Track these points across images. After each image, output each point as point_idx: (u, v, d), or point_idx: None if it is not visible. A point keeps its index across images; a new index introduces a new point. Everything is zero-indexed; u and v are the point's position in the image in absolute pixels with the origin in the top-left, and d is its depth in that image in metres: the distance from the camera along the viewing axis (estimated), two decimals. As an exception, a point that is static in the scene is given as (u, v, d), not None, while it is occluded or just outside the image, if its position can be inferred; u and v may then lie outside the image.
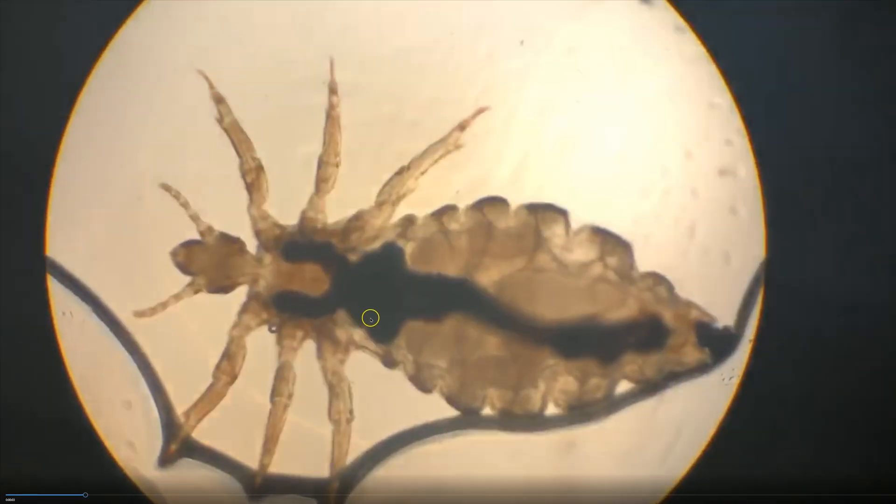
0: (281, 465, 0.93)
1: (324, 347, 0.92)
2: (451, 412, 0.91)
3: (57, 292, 0.94)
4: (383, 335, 0.91)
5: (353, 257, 0.92)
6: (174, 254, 0.93)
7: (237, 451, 0.93)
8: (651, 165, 0.91)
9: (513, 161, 0.91)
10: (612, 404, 0.90)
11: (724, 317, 0.90)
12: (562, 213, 0.90)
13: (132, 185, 0.94)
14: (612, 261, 0.90)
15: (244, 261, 0.93)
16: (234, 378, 0.93)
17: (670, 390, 0.91)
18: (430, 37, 0.92)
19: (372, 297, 0.92)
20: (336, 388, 0.91)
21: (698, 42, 0.91)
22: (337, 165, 0.92)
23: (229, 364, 0.92)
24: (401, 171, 0.92)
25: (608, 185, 0.91)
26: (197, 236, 0.94)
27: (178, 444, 0.93)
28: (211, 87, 0.93)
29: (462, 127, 0.91)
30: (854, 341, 0.90)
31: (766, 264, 0.91)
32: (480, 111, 0.91)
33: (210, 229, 0.93)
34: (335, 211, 0.92)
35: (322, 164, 0.92)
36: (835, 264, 0.91)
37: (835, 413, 0.91)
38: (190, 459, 0.93)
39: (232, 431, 0.93)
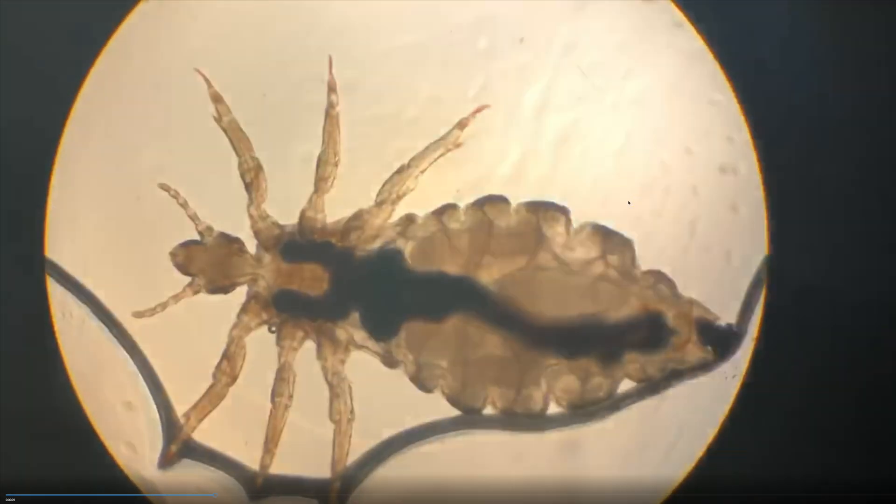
0: (282, 466, 0.93)
1: (324, 347, 0.92)
2: (453, 412, 0.91)
3: (56, 293, 0.94)
4: (384, 335, 0.91)
5: (352, 257, 0.92)
6: (173, 254, 0.93)
7: (238, 451, 0.93)
8: (651, 163, 0.91)
9: (513, 159, 0.91)
10: (614, 403, 0.90)
11: (726, 315, 0.90)
12: (563, 212, 0.90)
13: (131, 186, 0.94)
14: (614, 259, 0.90)
15: (243, 261, 0.93)
16: (234, 378, 0.93)
17: (673, 389, 0.90)
18: (429, 35, 0.92)
19: (372, 297, 0.91)
20: (336, 388, 0.91)
21: (698, 38, 0.91)
22: (336, 164, 0.92)
23: (229, 365, 0.92)
24: (400, 170, 0.91)
25: (608, 182, 0.91)
26: (196, 236, 0.94)
27: (179, 444, 0.93)
28: (209, 85, 0.93)
29: (462, 125, 0.91)
30: (857, 338, 0.90)
31: (768, 261, 0.91)
32: (480, 109, 0.91)
33: (209, 229, 0.93)
34: (335, 210, 0.92)
35: (321, 163, 0.92)
36: (837, 261, 0.91)
37: (839, 411, 0.90)
38: (190, 460, 0.94)
39: (232, 432, 0.93)
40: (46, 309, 0.94)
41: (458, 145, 0.91)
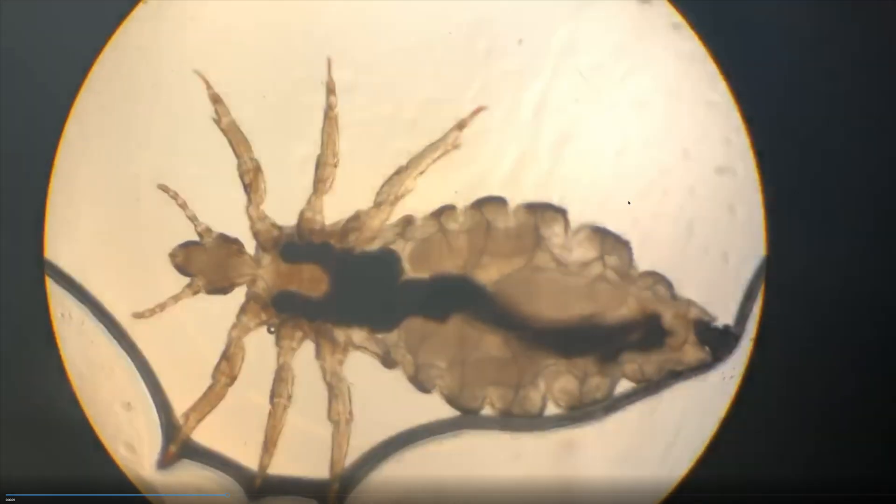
0: (281, 466, 0.93)
1: (323, 348, 0.92)
2: (451, 412, 0.91)
3: (56, 294, 0.94)
4: (382, 335, 0.91)
5: (351, 258, 0.92)
6: (173, 255, 0.93)
7: (237, 452, 0.93)
8: (649, 164, 0.91)
9: (511, 160, 0.91)
10: (611, 404, 0.90)
11: (724, 316, 0.90)
12: (561, 213, 0.90)
13: (130, 187, 0.94)
14: (612, 260, 0.90)
15: (242, 262, 0.93)
16: (233, 379, 0.93)
17: (670, 389, 0.91)
18: (428, 36, 0.92)
19: (371, 298, 0.92)
20: (335, 388, 0.92)
21: (696, 40, 0.91)
22: (335, 165, 0.92)
23: (228, 365, 0.93)
24: (399, 171, 0.92)
25: (606, 184, 0.91)
26: (195, 237, 0.94)
27: (178, 445, 0.93)
28: (208, 87, 0.93)
29: (460, 126, 0.91)
30: (854, 339, 0.90)
31: (766, 262, 0.91)
32: (479, 110, 0.91)
33: (208, 230, 0.94)
34: (333, 211, 0.92)
35: (320, 164, 0.92)
36: (834, 262, 0.91)
37: (835, 412, 0.91)
38: (190, 460, 0.94)
39: (231, 432, 0.93)
40: (46, 309, 0.94)
41: (456, 146, 0.92)
